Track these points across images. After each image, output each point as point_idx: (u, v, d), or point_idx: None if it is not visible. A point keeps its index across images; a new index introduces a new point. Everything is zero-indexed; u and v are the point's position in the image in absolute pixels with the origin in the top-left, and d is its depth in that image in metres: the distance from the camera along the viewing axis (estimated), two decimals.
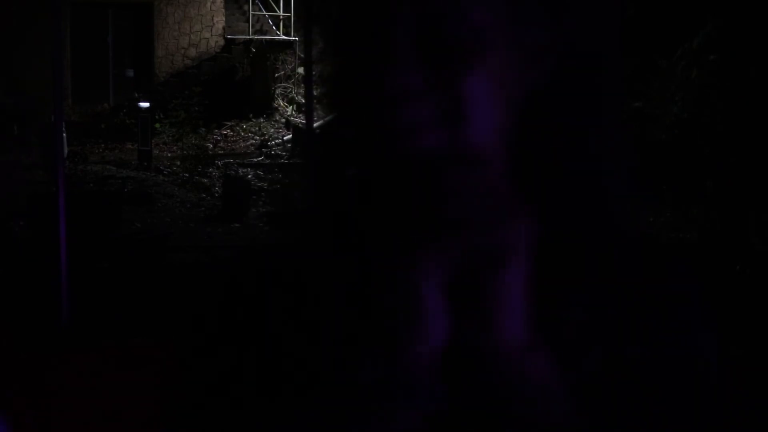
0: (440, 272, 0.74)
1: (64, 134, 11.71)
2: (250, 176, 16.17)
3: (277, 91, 21.51)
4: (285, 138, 19.43)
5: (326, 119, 0.93)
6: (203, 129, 19.00)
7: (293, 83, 21.22)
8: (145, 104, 17.91)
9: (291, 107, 21.06)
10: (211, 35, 21.58)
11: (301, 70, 19.68)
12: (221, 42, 21.53)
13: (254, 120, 20.55)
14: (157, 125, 18.62)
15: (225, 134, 19.97)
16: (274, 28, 21.98)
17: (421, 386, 0.76)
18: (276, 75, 21.69)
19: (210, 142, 18.99)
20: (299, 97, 20.25)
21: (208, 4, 21.58)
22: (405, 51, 0.80)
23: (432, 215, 0.75)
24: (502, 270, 0.75)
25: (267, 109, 21.00)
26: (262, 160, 17.87)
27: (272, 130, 20.34)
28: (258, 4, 22.03)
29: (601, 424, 0.80)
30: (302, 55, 19.15)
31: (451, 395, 0.77)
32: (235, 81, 21.21)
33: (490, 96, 0.81)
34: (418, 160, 0.79)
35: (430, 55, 0.80)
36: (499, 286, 0.75)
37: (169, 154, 18.19)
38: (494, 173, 0.78)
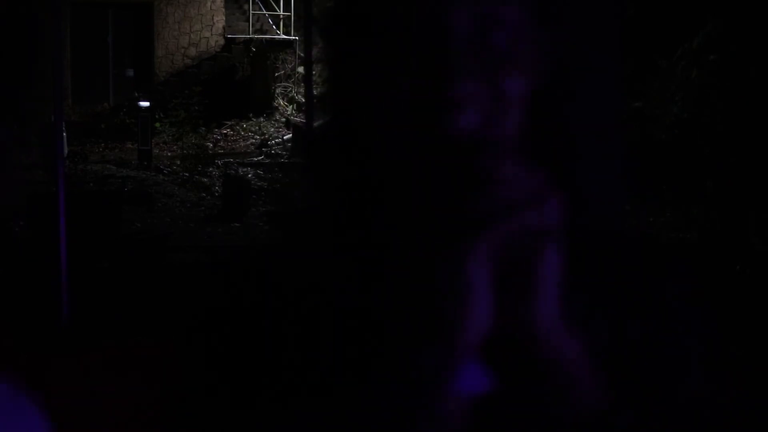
0: (480, 261, 0.75)
1: (64, 134, 11.71)
2: (250, 176, 16.16)
3: (277, 91, 21.51)
4: (285, 137, 19.43)
5: (325, 119, 0.93)
6: (203, 128, 18.99)
7: (293, 83, 21.21)
8: (145, 104, 17.89)
9: (291, 107, 21.06)
10: (211, 35, 21.57)
11: (301, 69, 19.68)
12: (221, 41, 21.52)
13: (254, 119, 20.55)
14: (157, 125, 18.61)
15: (225, 134, 19.97)
16: (274, 27, 21.98)
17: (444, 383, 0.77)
18: (276, 74, 21.69)
19: (210, 142, 18.99)
20: (299, 96, 20.25)
21: (208, 4, 21.58)
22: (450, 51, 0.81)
23: (468, 206, 0.76)
24: (540, 256, 0.77)
25: (267, 109, 21.00)
26: (262, 159, 17.87)
27: (272, 129, 20.33)
28: (258, 4, 22.02)
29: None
30: (302, 55, 19.15)
31: (470, 398, 0.78)
32: (235, 80, 21.21)
33: (509, 93, 0.83)
34: (452, 153, 0.80)
35: (466, 54, 0.81)
36: (538, 272, 0.77)
37: (169, 154, 18.19)
38: (522, 163, 0.79)
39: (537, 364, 0.79)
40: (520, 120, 0.83)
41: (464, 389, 0.78)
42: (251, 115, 20.56)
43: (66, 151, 12.77)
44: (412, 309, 0.78)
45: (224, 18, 21.66)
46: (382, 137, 0.84)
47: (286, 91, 21.48)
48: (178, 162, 17.32)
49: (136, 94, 19.28)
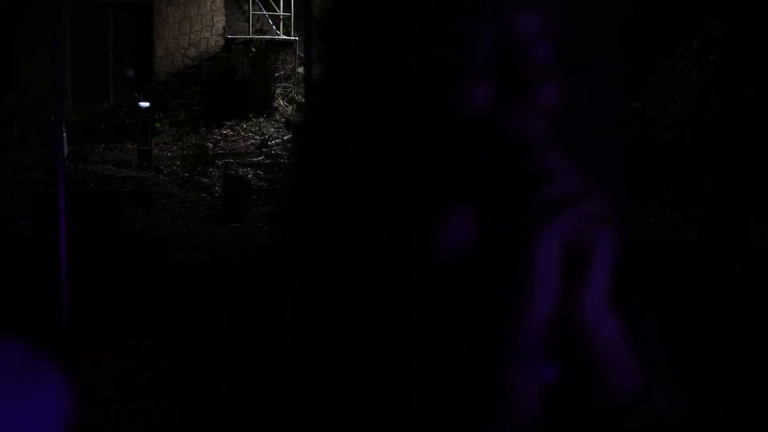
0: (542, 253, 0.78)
1: (64, 134, 11.70)
2: (250, 176, 16.15)
3: (277, 91, 21.51)
4: (285, 138, 19.43)
5: (317, 113, 0.93)
6: (203, 129, 18.99)
7: (293, 83, 21.21)
8: (145, 104, 17.89)
9: (291, 107, 21.06)
10: (211, 35, 21.57)
11: (301, 69, 19.68)
12: (221, 42, 21.52)
13: (254, 120, 20.55)
14: (157, 125, 18.60)
15: (225, 134, 19.97)
16: (274, 27, 21.97)
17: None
18: (276, 75, 21.68)
19: (210, 142, 18.98)
20: (299, 96, 20.25)
21: (208, 4, 21.57)
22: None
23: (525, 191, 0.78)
24: (594, 246, 0.80)
25: (267, 109, 20.99)
26: (262, 159, 17.86)
27: (272, 129, 20.33)
28: (258, 4, 22.02)
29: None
30: (302, 55, 19.14)
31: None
32: (235, 81, 21.20)
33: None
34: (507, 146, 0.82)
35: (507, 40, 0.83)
36: (591, 261, 0.80)
37: (169, 154, 18.18)
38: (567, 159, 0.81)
39: (582, 350, 0.82)
40: (551, 118, 0.85)
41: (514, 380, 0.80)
42: (251, 115, 20.55)
43: (66, 151, 12.76)
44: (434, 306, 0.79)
45: (224, 18, 21.66)
46: (408, 138, 0.85)
47: (286, 91, 21.48)
48: (178, 162, 17.31)
49: (136, 94, 19.28)
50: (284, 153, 18.34)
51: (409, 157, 0.86)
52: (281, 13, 21.79)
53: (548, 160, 0.79)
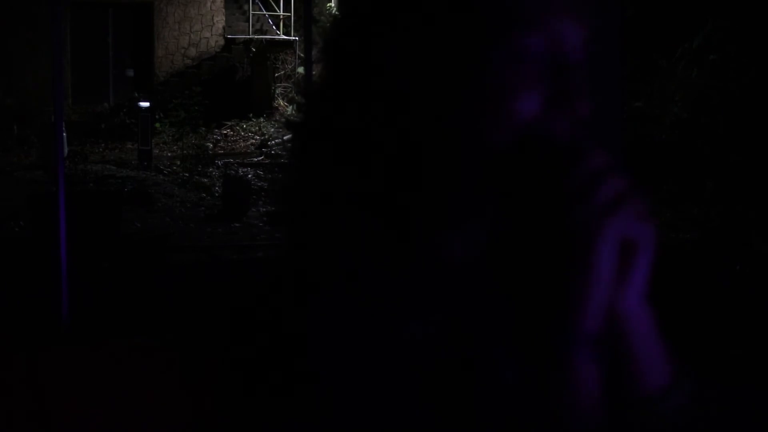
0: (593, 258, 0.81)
1: (64, 134, 11.70)
2: (250, 176, 16.15)
3: (278, 91, 21.51)
4: (285, 138, 19.43)
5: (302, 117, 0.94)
6: (203, 129, 18.99)
7: (293, 83, 21.22)
8: (145, 104, 17.88)
9: (291, 107, 21.06)
10: (211, 35, 21.57)
11: (301, 69, 19.68)
12: (221, 42, 21.52)
13: (254, 120, 20.55)
14: (157, 125, 18.60)
15: (225, 134, 19.97)
16: (274, 27, 21.98)
17: None
18: (276, 75, 21.69)
19: (210, 142, 18.98)
20: (299, 97, 20.20)
21: (208, 4, 21.57)
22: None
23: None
24: (637, 246, 0.83)
25: (267, 109, 21.00)
26: (262, 159, 17.87)
27: (272, 129, 20.33)
28: (258, 4, 22.02)
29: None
30: (302, 55, 19.14)
31: None
32: (235, 81, 21.20)
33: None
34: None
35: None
36: (633, 261, 0.84)
37: (169, 154, 18.18)
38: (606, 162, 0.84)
39: (618, 342, 0.85)
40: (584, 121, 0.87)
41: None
42: (251, 115, 20.55)
43: (66, 151, 12.77)
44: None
45: (224, 18, 21.66)
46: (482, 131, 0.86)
47: (286, 91, 21.48)
48: (178, 162, 17.31)
49: (136, 94, 19.28)
50: (284, 153, 18.31)
51: (447, 159, 0.86)
52: (281, 13, 21.80)
53: (601, 161, 0.82)
